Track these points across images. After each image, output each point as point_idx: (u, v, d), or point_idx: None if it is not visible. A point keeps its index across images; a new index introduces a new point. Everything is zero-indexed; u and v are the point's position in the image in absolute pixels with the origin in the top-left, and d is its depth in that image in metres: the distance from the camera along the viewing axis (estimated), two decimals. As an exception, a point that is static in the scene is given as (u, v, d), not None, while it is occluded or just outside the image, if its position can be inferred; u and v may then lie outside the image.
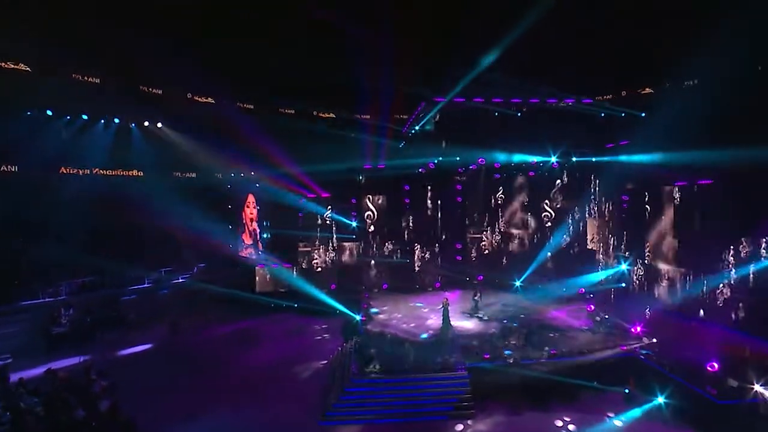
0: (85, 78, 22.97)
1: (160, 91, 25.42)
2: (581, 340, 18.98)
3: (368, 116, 25.57)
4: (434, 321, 22.29)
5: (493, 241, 29.74)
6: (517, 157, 23.62)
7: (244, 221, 29.81)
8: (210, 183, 29.36)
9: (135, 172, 26.98)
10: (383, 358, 17.04)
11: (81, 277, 23.62)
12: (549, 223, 27.34)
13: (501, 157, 24.41)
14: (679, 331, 17.59)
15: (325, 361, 19.44)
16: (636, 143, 18.44)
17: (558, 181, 25.90)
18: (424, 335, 20.43)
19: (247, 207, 29.45)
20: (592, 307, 22.96)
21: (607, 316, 21.27)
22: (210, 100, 26.88)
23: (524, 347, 18.14)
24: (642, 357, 17.08)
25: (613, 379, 16.30)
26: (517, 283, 28.04)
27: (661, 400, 14.88)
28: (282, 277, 28.01)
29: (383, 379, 15.88)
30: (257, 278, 28.75)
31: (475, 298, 24.49)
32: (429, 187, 29.06)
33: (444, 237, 29.80)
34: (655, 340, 18.09)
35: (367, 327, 21.78)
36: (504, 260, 29.48)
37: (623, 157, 19.60)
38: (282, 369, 19.03)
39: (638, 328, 19.19)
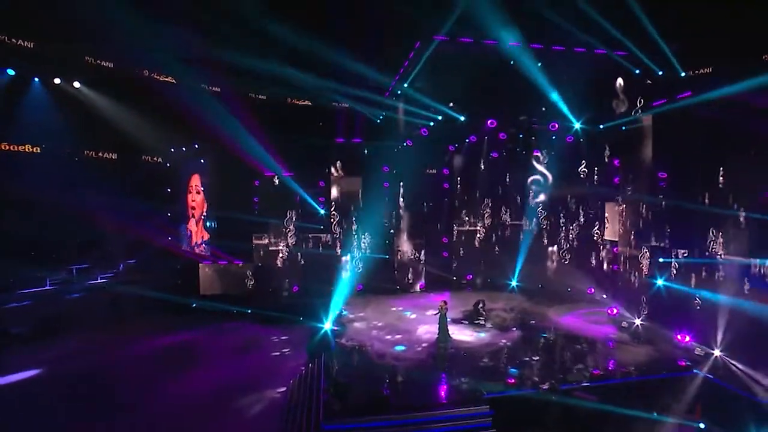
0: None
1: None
2: (622, 355, 14.72)
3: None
4: (427, 331, 17.59)
5: (491, 234, 25.24)
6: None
7: (188, 208, 24.10)
8: (142, 163, 23.46)
9: (29, 148, 20.50)
10: (364, 386, 12.13)
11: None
12: (562, 210, 23.07)
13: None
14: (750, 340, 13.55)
15: (283, 389, 14.34)
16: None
17: (577, 154, 21.65)
18: (400, 348, 15.85)
19: (190, 192, 23.77)
20: (615, 310, 18.87)
21: (637, 322, 17.19)
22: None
23: (554, 366, 13.68)
24: (711, 377, 12.89)
25: (677, 406, 12.08)
26: (513, 283, 23.84)
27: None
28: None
29: (367, 423, 10.94)
30: (201, 278, 23.16)
31: (480, 308, 19.78)
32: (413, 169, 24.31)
33: (429, 229, 25.13)
34: (719, 353, 14.03)
35: (339, 340, 16.80)
36: (497, 251, 25.01)
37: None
38: (223, 401, 13.77)
39: (686, 337, 15.12)
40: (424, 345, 16.27)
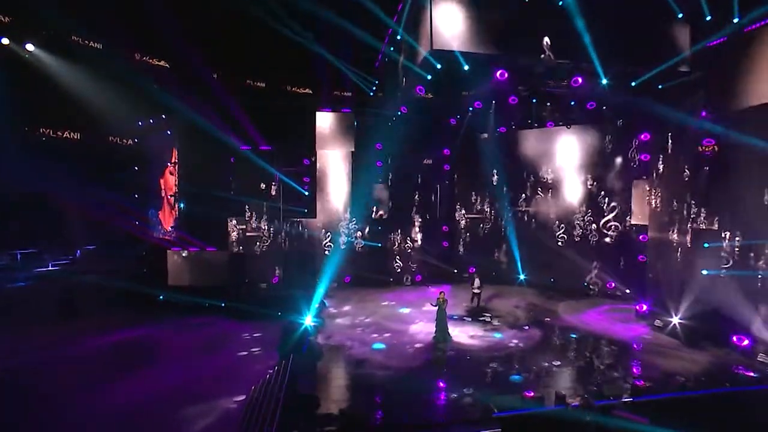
0: None
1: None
2: (666, 362, 11.87)
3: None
4: (421, 329, 14.79)
5: (498, 222, 22.30)
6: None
7: (162, 190, 21.21)
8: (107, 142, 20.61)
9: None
10: (335, 399, 9.35)
11: None
12: (580, 193, 20.13)
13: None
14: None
15: (241, 398, 11.56)
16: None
17: (600, 125, 18.61)
18: (378, 346, 13.13)
19: (171, 174, 20.80)
20: (645, 306, 16.00)
21: (675, 320, 14.31)
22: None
23: (584, 375, 10.85)
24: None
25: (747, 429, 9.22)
26: (522, 276, 21.03)
27: None
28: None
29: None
30: (170, 267, 20.35)
31: (475, 289, 17.22)
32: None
33: (428, 216, 22.30)
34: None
35: (316, 339, 14.04)
36: (504, 241, 22.06)
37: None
38: (165, 412, 10.94)
39: (745, 340, 12.22)
40: (417, 346, 13.45)
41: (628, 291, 18.49)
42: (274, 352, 14.10)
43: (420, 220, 22.08)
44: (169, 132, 19.32)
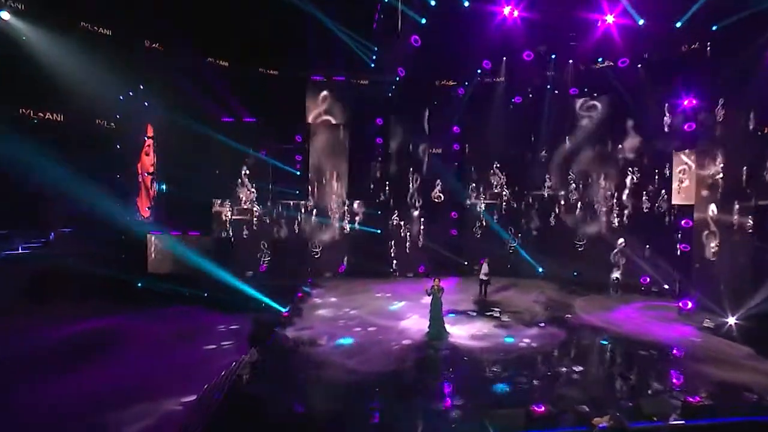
0: None
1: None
2: (726, 373, 9.13)
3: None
4: (413, 324, 12.42)
5: (515, 207, 19.64)
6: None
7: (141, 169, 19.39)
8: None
9: None
10: (290, 407, 7.25)
11: None
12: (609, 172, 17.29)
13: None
14: None
15: (191, 398, 9.55)
16: None
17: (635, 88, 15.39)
18: (345, 341, 11.00)
19: (146, 154, 18.96)
20: (690, 303, 13.17)
21: (731, 320, 11.49)
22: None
23: (614, 386, 8.29)
24: None
25: None
26: (540, 269, 18.47)
27: None
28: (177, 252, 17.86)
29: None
30: (150, 252, 18.57)
31: (482, 276, 14.83)
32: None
33: (434, 200, 19.83)
34: None
35: (284, 332, 11.89)
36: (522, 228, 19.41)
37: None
38: (100, 412, 9.00)
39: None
40: (405, 343, 11.09)
41: (666, 286, 15.65)
42: (245, 346, 12.17)
43: (424, 203, 19.62)
44: (146, 104, 17.44)
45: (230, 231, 18.59)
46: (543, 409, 7.03)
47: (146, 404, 9.31)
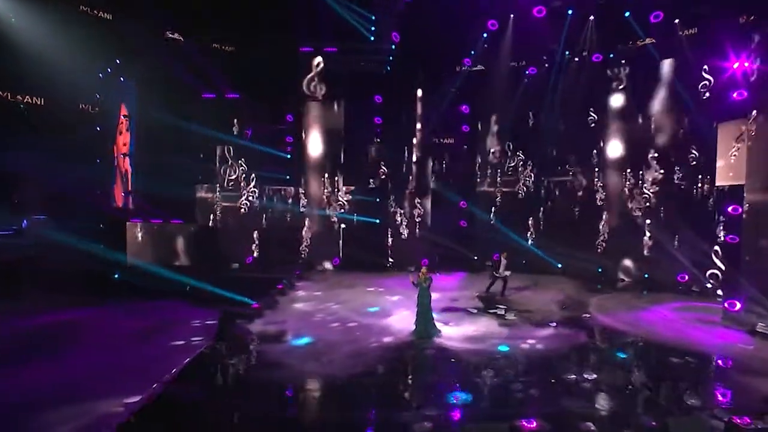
0: None
1: None
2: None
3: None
4: (401, 321, 10.62)
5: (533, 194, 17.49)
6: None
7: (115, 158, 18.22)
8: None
9: None
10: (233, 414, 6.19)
11: None
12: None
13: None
14: None
15: (135, 399, 8.08)
16: None
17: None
18: (300, 341, 9.47)
19: (120, 133, 17.77)
20: (738, 304, 10.85)
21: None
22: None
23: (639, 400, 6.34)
24: None
25: None
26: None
27: None
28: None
29: None
30: (129, 242, 17.40)
31: (504, 273, 12.80)
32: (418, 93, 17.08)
33: (440, 186, 17.94)
34: None
35: (248, 327, 10.35)
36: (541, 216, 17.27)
37: None
38: (30, 413, 7.69)
39: None
40: (387, 341, 9.35)
41: (710, 285, 13.31)
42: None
43: (428, 190, 17.75)
44: (122, 78, 16.23)
45: (216, 219, 17.22)
46: (534, 425, 5.22)
47: (85, 404, 7.99)
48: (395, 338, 9.55)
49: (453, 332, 9.82)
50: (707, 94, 12.77)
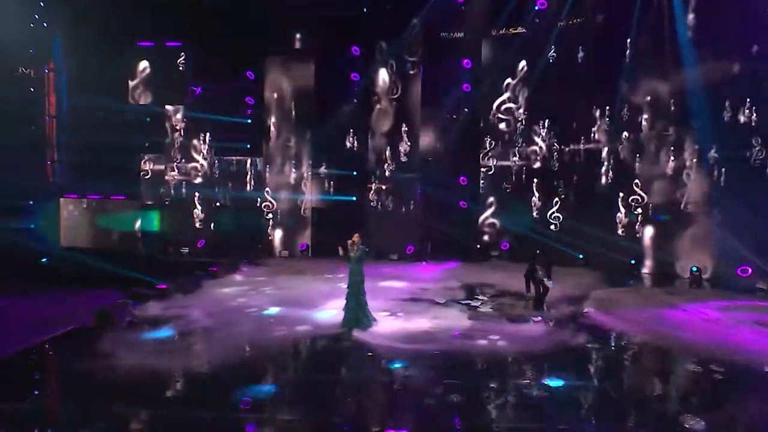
0: None
1: None
2: None
3: None
4: (335, 309, 7.66)
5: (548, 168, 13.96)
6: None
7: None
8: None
9: None
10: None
11: None
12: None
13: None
14: None
15: None
16: None
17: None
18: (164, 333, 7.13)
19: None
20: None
21: None
22: None
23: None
24: None
25: None
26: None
27: None
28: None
29: None
30: (63, 221, 15.08)
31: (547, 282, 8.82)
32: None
33: (434, 160, 14.68)
34: None
35: (135, 309, 7.76)
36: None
37: None
38: None
39: None
40: (298, 331, 7.03)
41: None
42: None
43: (419, 163, 14.56)
44: (45, 25, 13.75)
45: (163, 196, 14.64)
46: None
47: None
48: (312, 328, 6.99)
49: (395, 325, 6.87)
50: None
